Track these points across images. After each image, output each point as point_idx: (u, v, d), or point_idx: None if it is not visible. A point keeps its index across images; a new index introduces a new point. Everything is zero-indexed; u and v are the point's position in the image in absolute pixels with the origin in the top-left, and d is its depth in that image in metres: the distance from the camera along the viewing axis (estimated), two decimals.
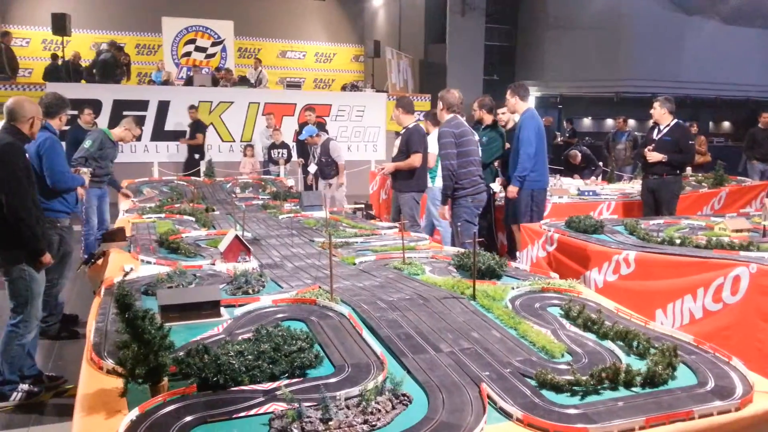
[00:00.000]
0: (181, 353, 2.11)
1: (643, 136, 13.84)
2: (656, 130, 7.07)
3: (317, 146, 9.18)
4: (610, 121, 21.35)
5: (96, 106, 12.43)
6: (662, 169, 6.91)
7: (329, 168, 9.06)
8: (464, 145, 5.76)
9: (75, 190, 4.95)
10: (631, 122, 16.60)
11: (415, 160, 6.50)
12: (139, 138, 9.33)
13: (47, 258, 3.94)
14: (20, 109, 3.98)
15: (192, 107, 12.66)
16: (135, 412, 1.81)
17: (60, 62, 14.34)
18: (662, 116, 6.99)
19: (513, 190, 6.19)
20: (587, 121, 24.03)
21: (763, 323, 3.68)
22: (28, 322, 3.88)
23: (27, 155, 3.98)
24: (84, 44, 17.36)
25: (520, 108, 6.31)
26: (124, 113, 12.25)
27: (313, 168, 9.48)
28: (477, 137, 6.17)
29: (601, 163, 11.59)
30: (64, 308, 5.10)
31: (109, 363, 2.14)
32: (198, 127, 12.62)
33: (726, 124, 23.75)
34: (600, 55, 19.52)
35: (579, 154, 10.83)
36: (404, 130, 6.66)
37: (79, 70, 14.67)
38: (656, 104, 7.05)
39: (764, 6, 19.16)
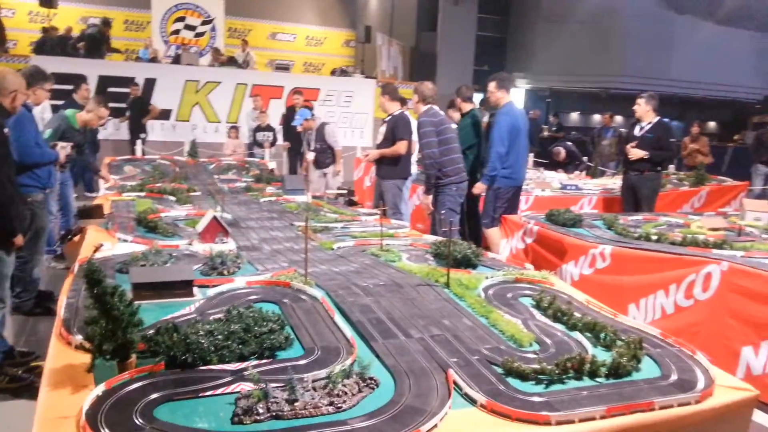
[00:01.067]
0: (151, 331, 2.11)
1: (629, 132, 13.96)
2: (638, 127, 7.11)
3: (312, 131, 8.57)
4: (597, 117, 21.47)
5: (80, 82, 12.29)
6: (643, 166, 6.97)
7: (324, 155, 8.46)
8: (444, 133, 5.86)
9: (49, 165, 4.89)
10: (618, 118, 16.73)
11: (401, 147, 6.50)
12: (102, 124, 8.75)
13: (19, 240, 3.77)
14: (2, 81, 3.85)
15: (135, 84, 12.33)
16: (101, 388, 1.82)
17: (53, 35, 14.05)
18: (646, 113, 7.02)
19: (480, 187, 6.18)
20: (575, 116, 24.13)
21: (731, 320, 3.76)
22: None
23: (6, 131, 3.79)
24: (71, 18, 17.09)
25: (503, 101, 6.24)
26: (109, 89, 12.16)
27: (311, 155, 8.66)
28: (455, 126, 6.21)
29: (585, 158, 11.67)
30: (39, 284, 5.06)
31: (78, 338, 2.14)
32: (143, 102, 12.37)
33: (712, 124, 23.96)
34: (590, 51, 19.58)
35: (562, 151, 10.90)
36: (389, 117, 6.63)
37: (66, 45, 14.43)
38: (641, 101, 7.07)
39: (757, 9, 19.28)
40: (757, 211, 5.44)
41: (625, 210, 6.98)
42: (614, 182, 8.90)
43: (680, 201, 8.45)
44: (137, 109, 12.21)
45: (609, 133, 12.66)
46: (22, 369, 3.78)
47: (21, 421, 3.10)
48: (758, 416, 3.60)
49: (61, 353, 2.10)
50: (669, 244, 4.49)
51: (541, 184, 7.99)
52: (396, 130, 6.50)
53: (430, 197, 5.91)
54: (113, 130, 12.60)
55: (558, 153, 10.91)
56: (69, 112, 6.22)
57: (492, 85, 6.21)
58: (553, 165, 10.84)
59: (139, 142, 10.48)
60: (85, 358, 2.02)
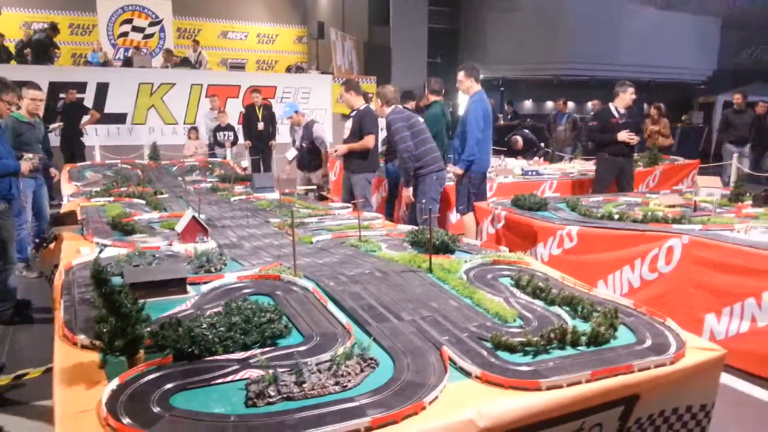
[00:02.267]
0: (155, 327, 2.18)
1: (583, 117, 14.33)
2: (615, 113, 7.46)
3: (299, 128, 8.01)
4: (550, 104, 21.90)
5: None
6: (629, 150, 7.48)
7: (311, 156, 7.88)
8: (415, 126, 6.08)
9: (8, 177, 4.83)
10: (571, 104, 17.12)
11: (369, 141, 6.60)
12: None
13: None
14: None
15: (72, 89, 11.64)
16: (116, 382, 1.88)
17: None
18: (630, 101, 7.44)
19: (458, 172, 6.37)
20: (528, 104, 24.58)
21: (693, 290, 3.99)
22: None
23: None
24: (14, 23, 16.62)
25: (473, 90, 6.41)
26: (61, 95, 11.89)
27: (292, 154, 8.09)
28: (422, 119, 6.38)
29: (542, 144, 11.96)
30: (16, 294, 5.00)
31: (83, 338, 2.19)
32: (80, 107, 11.70)
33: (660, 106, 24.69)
34: (540, 39, 19.96)
35: (520, 140, 11.16)
36: (354, 113, 6.72)
37: (6, 51, 13.98)
38: (629, 90, 7.42)
39: None
40: (710, 187, 5.73)
41: (600, 191, 7.29)
42: (572, 166, 9.19)
43: (636, 181, 8.75)
44: (72, 114, 11.38)
45: (563, 119, 13.00)
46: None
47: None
48: (724, 377, 3.85)
49: (68, 353, 2.15)
50: (631, 221, 4.71)
51: (504, 171, 8.20)
52: (363, 124, 6.59)
53: (411, 189, 6.12)
54: (116, 134, 12.44)
55: (516, 142, 11.18)
56: (15, 113, 6.01)
57: (461, 74, 6.40)
58: (511, 153, 11.09)
59: (97, 146, 10.27)
60: (92, 356, 2.08)
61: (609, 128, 7.44)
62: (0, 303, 4.74)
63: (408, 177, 6.05)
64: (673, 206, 5.32)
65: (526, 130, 12.05)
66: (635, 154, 9.42)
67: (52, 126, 10.96)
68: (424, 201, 5.97)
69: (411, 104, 7.35)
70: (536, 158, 10.44)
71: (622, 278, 4.45)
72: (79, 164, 8.06)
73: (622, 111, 7.47)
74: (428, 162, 6.06)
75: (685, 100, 23.29)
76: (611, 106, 7.56)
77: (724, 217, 4.72)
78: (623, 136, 7.31)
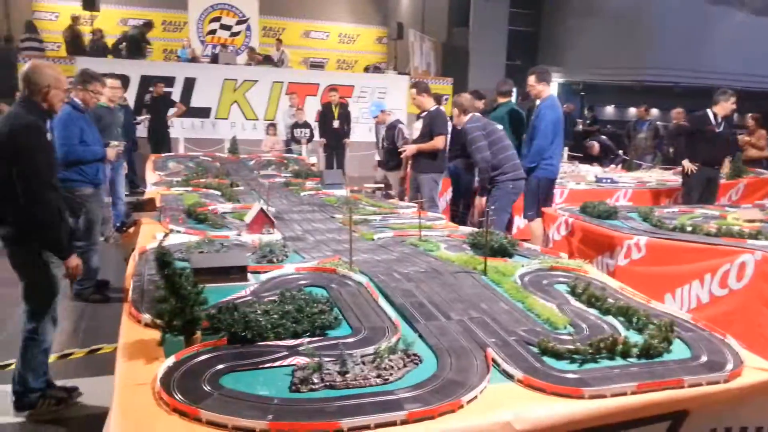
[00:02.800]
0: (213, 311, 2.31)
1: (666, 125, 13.80)
2: (716, 123, 7.20)
3: (383, 126, 8.01)
4: (632, 110, 21.20)
5: (123, 81, 12.70)
6: (720, 159, 7.39)
7: (390, 155, 7.75)
8: (493, 134, 5.90)
9: (95, 163, 5.15)
10: (654, 111, 16.53)
11: (439, 142, 6.64)
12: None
13: (73, 262, 3.33)
14: (34, 75, 3.28)
15: (159, 83, 12.23)
16: (172, 359, 2.02)
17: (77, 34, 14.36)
18: (730, 110, 7.23)
19: None
20: (610, 109, 23.88)
21: (765, 308, 3.81)
22: (47, 325, 3.35)
23: (48, 136, 3.36)
24: (112, 19, 17.61)
25: (544, 94, 6.30)
26: (150, 89, 12.53)
27: (380, 154, 8.13)
28: (501, 127, 6.23)
29: (621, 152, 11.61)
30: (98, 273, 5.34)
31: (147, 317, 2.35)
32: (167, 100, 12.25)
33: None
34: (623, 43, 19.30)
35: (596, 145, 10.87)
36: (425, 114, 6.77)
37: (104, 46, 14.80)
38: (731, 98, 7.22)
39: None
40: None
41: (690, 203, 7.06)
42: (650, 175, 8.90)
43: (719, 194, 8.40)
44: (160, 107, 11.97)
45: (644, 126, 12.55)
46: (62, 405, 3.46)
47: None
48: None
49: (132, 330, 2.31)
50: (704, 235, 4.54)
51: (576, 177, 8.04)
52: (434, 125, 6.63)
53: (484, 199, 5.93)
54: (200, 127, 13.01)
55: (591, 147, 10.91)
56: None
57: (532, 78, 6.25)
58: (587, 159, 10.84)
59: (181, 138, 10.73)
60: (154, 334, 2.22)
61: (704, 135, 7.19)
62: (83, 280, 5.07)
63: (483, 186, 5.90)
64: (753, 221, 5.07)
65: (604, 137, 11.72)
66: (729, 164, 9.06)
67: (139, 118, 11.64)
68: (493, 207, 5.84)
69: (479, 104, 7.25)
70: (612, 165, 10.15)
71: (690, 293, 4.29)
72: (163, 155, 8.47)
73: (719, 119, 7.19)
74: (506, 169, 5.85)
75: None
76: (709, 111, 7.27)
77: None
78: (687, 165, 7.20)
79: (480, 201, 5.99)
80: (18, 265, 3.29)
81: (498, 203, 5.80)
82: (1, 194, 3.12)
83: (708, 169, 7.23)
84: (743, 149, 11.65)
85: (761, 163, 10.97)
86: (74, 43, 13.92)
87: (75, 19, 14.48)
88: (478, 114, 6.14)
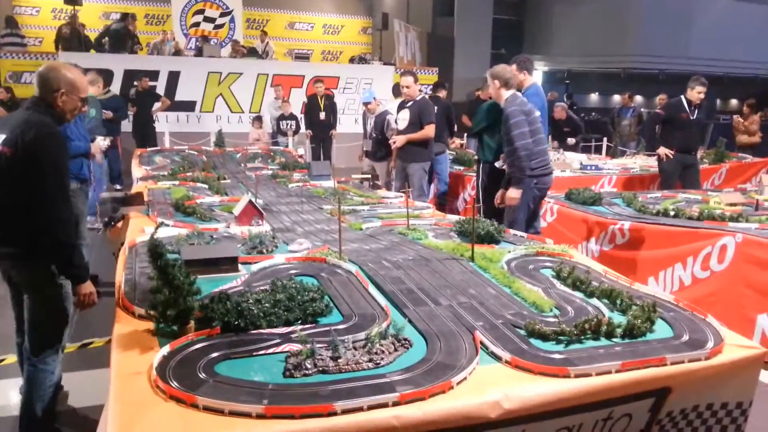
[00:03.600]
0: (206, 301, 2.34)
1: (649, 112, 13.91)
2: (689, 108, 7.18)
3: (372, 116, 7.89)
4: (617, 97, 21.35)
5: (107, 75, 12.61)
6: (696, 146, 7.37)
7: (378, 146, 7.76)
8: (534, 123, 5.06)
9: (79, 157, 5.13)
10: (638, 98, 16.66)
11: (430, 131, 6.65)
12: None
13: (89, 289, 2.92)
14: (50, 75, 2.95)
15: (144, 77, 12.09)
16: (166, 348, 2.05)
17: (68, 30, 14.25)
18: (696, 99, 7.16)
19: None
20: (594, 97, 24.02)
21: (746, 289, 3.90)
22: (57, 354, 3.03)
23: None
24: (94, 14, 17.45)
25: (527, 83, 6.25)
26: (135, 83, 12.46)
27: (368, 144, 8.02)
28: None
29: (605, 138, 11.66)
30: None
31: (140, 308, 2.38)
32: (152, 95, 12.20)
33: (734, 102, 23.73)
34: (607, 31, 19.44)
35: (560, 109, 10.72)
36: (412, 103, 6.77)
37: (86, 41, 14.65)
38: (697, 87, 7.10)
39: None
40: None
41: (667, 188, 7.13)
42: (634, 161, 8.99)
43: (701, 179, 8.51)
44: (144, 101, 11.82)
45: (629, 113, 12.66)
46: None
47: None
48: None
49: (126, 321, 2.34)
50: (686, 219, 4.63)
51: (561, 165, 8.11)
52: (423, 114, 6.64)
53: (521, 191, 4.97)
54: (185, 122, 12.97)
55: (556, 110, 10.68)
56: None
57: (513, 68, 6.20)
58: (557, 133, 10.65)
59: (167, 132, 10.69)
60: (148, 325, 2.26)
61: (677, 122, 7.20)
62: None
63: (522, 176, 4.93)
64: (734, 204, 5.17)
65: (571, 112, 11.61)
66: (702, 151, 9.15)
67: (160, 109, 11.77)
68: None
69: (523, 77, 6.63)
70: (572, 140, 10.21)
71: (673, 276, 4.38)
72: (149, 149, 8.45)
73: (693, 106, 7.18)
74: (534, 164, 5.03)
75: (762, 96, 22.24)
76: (683, 98, 7.24)
77: None
78: (662, 152, 7.26)
79: (515, 193, 4.96)
80: (27, 284, 2.93)
81: (524, 198, 5.00)
82: (14, 206, 2.76)
83: (684, 155, 7.24)
84: (734, 133, 11.79)
85: (753, 148, 11.11)
86: (71, 40, 13.71)
87: (73, 17, 14.26)
88: (519, 93, 5.26)
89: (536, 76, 6.60)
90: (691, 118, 7.17)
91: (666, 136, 7.34)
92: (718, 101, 22.79)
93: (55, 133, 2.86)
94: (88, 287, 2.89)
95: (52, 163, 2.76)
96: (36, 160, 2.71)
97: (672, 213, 4.81)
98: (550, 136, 10.17)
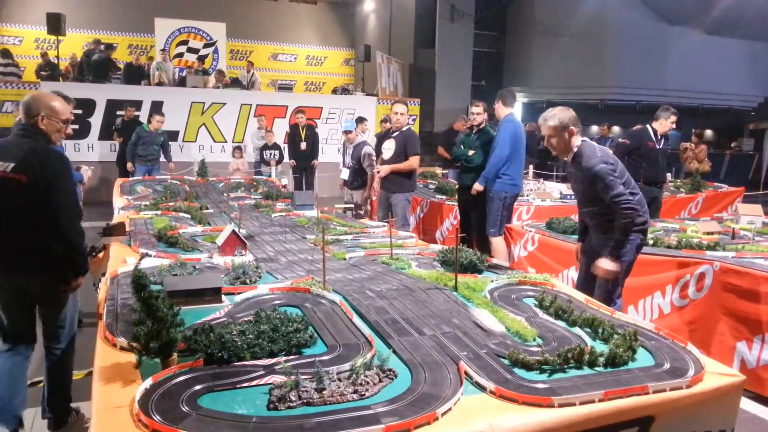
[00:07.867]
0: (189, 332, 2.32)
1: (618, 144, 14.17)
2: (658, 141, 7.00)
3: (351, 146, 8.14)
4: (595, 128, 21.73)
5: (89, 105, 12.59)
6: (663, 178, 7.28)
7: (355, 175, 8.05)
8: (624, 174, 3.90)
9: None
10: (615, 129, 16.96)
11: (415, 162, 6.71)
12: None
13: (83, 280, 3.41)
14: (32, 101, 3.29)
15: (130, 107, 12.19)
16: (149, 382, 2.03)
17: (51, 62, 14.32)
18: (668, 129, 7.01)
19: (478, 188, 6.40)
20: None
21: (724, 317, 3.95)
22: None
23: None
24: (77, 44, 17.50)
25: (502, 113, 6.51)
26: (117, 113, 12.45)
27: (345, 173, 8.24)
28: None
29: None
30: None
31: (122, 340, 2.35)
32: (138, 124, 11.79)
33: (708, 132, 24.26)
34: (585, 63, 19.89)
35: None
36: (397, 133, 6.80)
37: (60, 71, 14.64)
38: (671, 117, 6.90)
39: (745, 17, 19.60)
40: (751, 215, 5.64)
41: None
42: None
43: (678, 208, 8.67)
44: (130, 131, 11.43)
45: (607, 144, 12.90)
46: None
47: None
48: (754, 407, 3.79)
49: (108, 353, 2.31)
50: (665, 247, 4.69)
51: (542, 194, 8.20)
52: (409, 145, 6.69)
53: (615, 263, 3.82)
54: (109, 151, 12.86)
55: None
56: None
57: (495, 100, 6.54)
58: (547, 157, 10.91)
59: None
60: (130, 358, 2.23)
61: (644, 151, 6.94)
62: None
63: (622, 242, 3.80)
64: (711, 233, 5.26)
65: None
66: (673, 181, 9.29)
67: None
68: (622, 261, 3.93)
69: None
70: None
71: (653, 304, 4.43)
72: (130, 179, 8.41)
73: (660, 136, 7.02)
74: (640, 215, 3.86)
75: (735, 127, 22.79)
76: (649, 127, 7.02)
77: (762, 245, 4.65)
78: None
79: (612, 266, 3.81)
80: (50, 293, 3.33)
81: (626, 258, 3.91)
82: (31, 226, 3.15)
83: (650, 187, 6.76)
84: (685, 160, 12.12)
85: (703, 175, 11.45)
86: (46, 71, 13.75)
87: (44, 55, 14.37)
88: (590, 141, 4.04)
89: (517, 108, 6.71)
90: (658, 147, 6.97)
91: (633, 166, 6.60)
92: (693, 131, 23.30)
93: (63, 156, 3.28)
94: (82, 279, 3.36)
95: (66, 183, 3.20)
96: (52, 183, 3.11)
97: (651, 242, 4.88)
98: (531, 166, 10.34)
